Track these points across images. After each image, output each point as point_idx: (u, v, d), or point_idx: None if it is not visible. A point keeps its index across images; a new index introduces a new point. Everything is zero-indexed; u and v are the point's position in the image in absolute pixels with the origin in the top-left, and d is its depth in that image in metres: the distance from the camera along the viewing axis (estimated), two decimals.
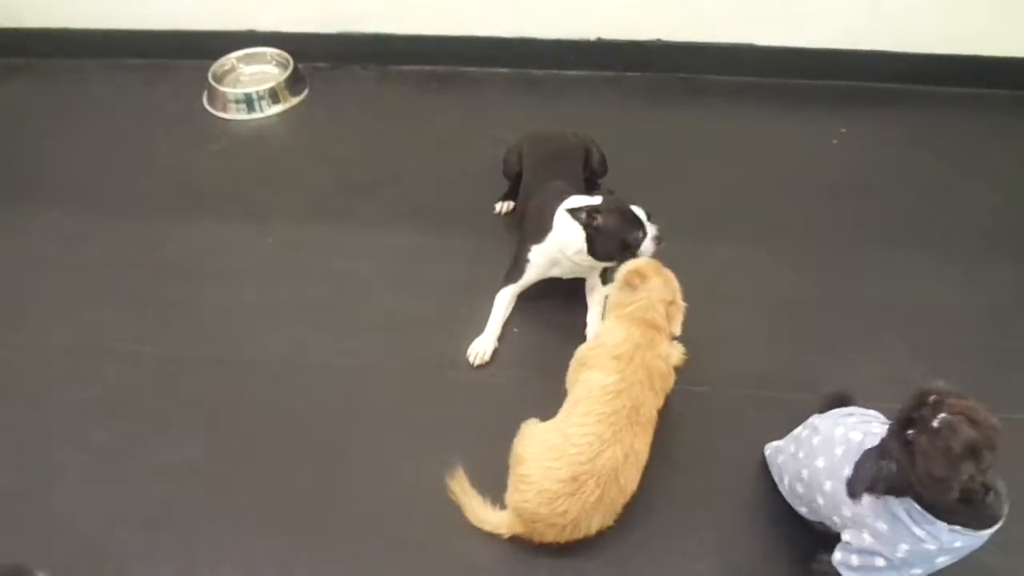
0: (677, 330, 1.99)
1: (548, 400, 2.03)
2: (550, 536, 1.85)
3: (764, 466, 2.03)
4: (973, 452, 1.32)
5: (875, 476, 1.46)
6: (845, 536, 1.65)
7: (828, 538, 1.76)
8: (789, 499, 1.88)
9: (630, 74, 3.39)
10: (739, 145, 3.07)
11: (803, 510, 1.84)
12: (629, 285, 2.02)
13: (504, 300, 2.37)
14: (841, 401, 2.03)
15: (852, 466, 1.57)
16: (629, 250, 2.18)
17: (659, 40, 3.31)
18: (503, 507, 1.91)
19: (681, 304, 2.02)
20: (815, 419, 1.86)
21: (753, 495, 2.00)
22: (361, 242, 2.68)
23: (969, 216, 2.75)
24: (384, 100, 3.34)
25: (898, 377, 2.20)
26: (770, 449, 2.00)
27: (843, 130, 3.09)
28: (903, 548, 1.53)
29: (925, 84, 3.20)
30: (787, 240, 2.66)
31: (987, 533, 1.48)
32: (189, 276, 2.58)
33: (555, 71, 3.42)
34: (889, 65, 3.19)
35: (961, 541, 1.48)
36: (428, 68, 3.45)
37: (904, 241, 2.65)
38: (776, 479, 1.95)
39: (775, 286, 2.51)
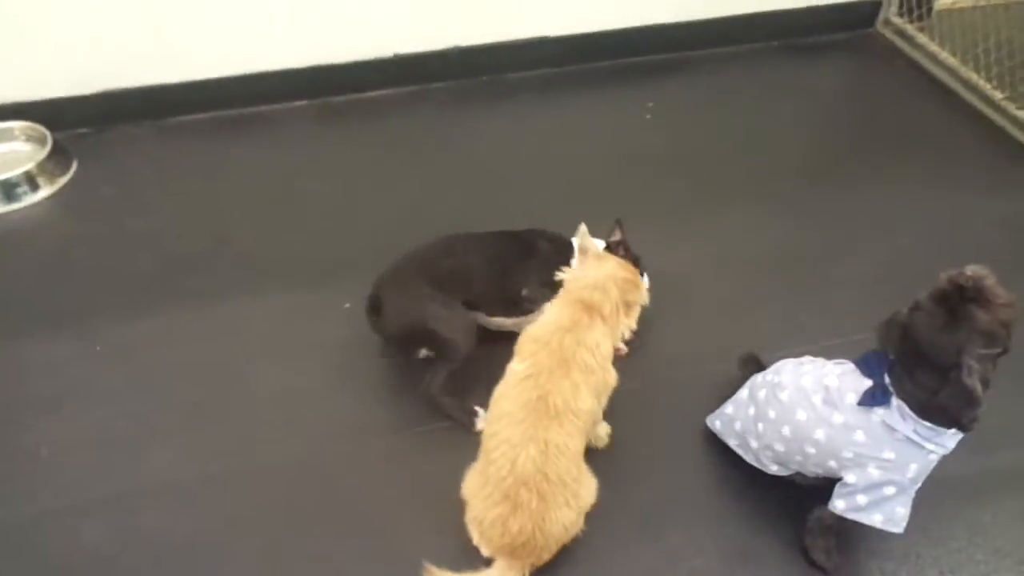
0: (627, 328, 1.85)
1: None
2: (536, 558, 1.73)
3: (710, 440, 2.04)
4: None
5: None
6: (849, 478, 1.68)
7: (808, 488, 1.81)
8: (757, 462, 1.90)
9: (435, 85, 3.28)
10: (558, 134, 3.09)
11: (774, 468, 1.86)
12: (583, 256, 1.87)
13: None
14: (756, 360, 2.12)
15: (846, 404, 1.65)
16: None
17: (456, 47, 3.23)
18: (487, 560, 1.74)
19: (640, 300, 1.88)
20: (762, 378, 1.89)
21: (716, 472, 2.00)
22: (213, 321, 2.32)
23: (780, 159, 2.98)
24: (173, 157, 2.93)
25: (789, 325, 2.35)
26: (719, 420, 2.01)
27: (650, 104, 3.21)
28: (912, 468, 1.61)
29: (708, 48, 3.44)
30: (633, 217, 2.65)
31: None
32: (15, 414, 2.08)
33: (357, 95, 3.22)
34: (671, 36, 3.38)
35: (956, 440, 1.59)
36: (215, 114, 3.09)
37: (732, 196, 2.80)
38: (735, 446, 1.96)
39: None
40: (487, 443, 1.74)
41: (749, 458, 1.92)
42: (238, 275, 2.44)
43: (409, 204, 2.72)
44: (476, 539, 1.76)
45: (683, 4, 3.34)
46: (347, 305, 2.31)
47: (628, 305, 1.82)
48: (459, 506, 1.78)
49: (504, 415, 1.71)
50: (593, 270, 1.83)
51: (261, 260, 2.49)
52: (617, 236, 2.22)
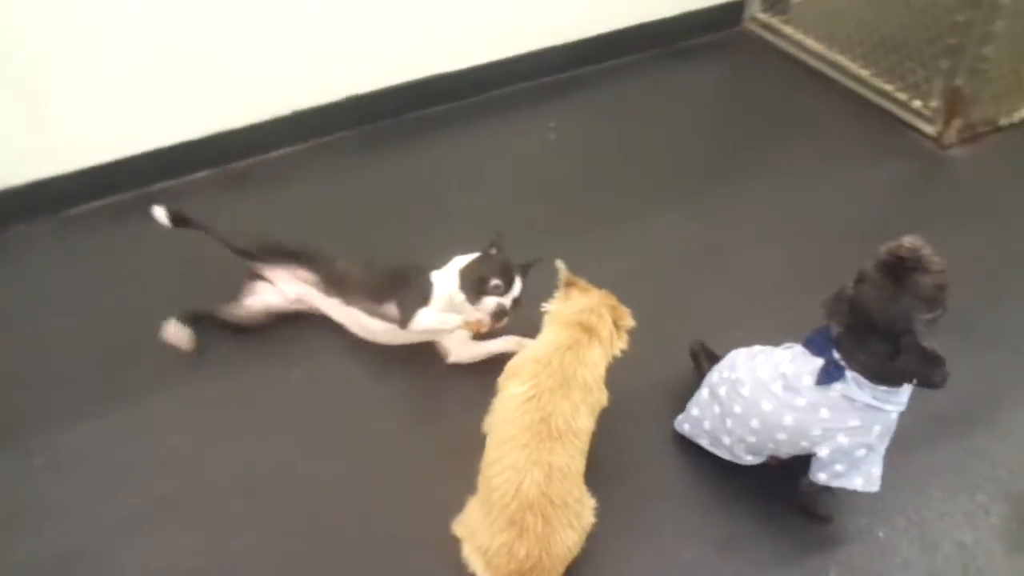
0: (619, 348, 1.93)
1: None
2: None
3: (680, 440, 2.11)
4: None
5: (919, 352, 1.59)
6: (820, 453, 1.79)
7: (787, 467, 1.91)
8: (732, 456, 1.98)
9: (337, 135, 3.26)
10: (466, 165, 3.13)
11: (748, 458, 1.95)
12: (567, 289, 1.96)
13: (426, 312, 2.20)
14: (704, 349, 2.22)
15: (804, 386, 1.76)
16: (482, 289, 2.18)
17: (351, 95, 3.23)
18: None
19: (630, 323, 1.96)
20: (718, 375, 1.98)
21: (692, 469, 2.07)
22: (158, 412, 2.22)
23: (681, 162, 3.13)
24: (77, 250, 2.80)
25: (722, 313, 2.47)
26: (687, 423, 2.08)
27: (552, 124, 3.31)
28: (876, 429, 1.74)
29: (597, 63, 3.56)
30: (554, 235, 2.73)
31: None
32: None
33: (259, 156, 3.16)
34: (560, 57, 3.49)
35: (907, 395, 1.72)
36: (113, 199, 2.97)
37: (643, 203, 2.92)
38: (707, 445, 2.04)
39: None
40: (488, 470, 1.76)
41: (723, 454, 2.00)
42: (173, 360, 2.33)
43: (331, 249, 2.65)
44: (481, 570, 1.76)
45: (567, 25, 3.45)
46: (296, 374, 2.30)
47: (619, 328, 1.92)
48: None
49: (507, 439, 1.74)
50: (584, 298, 1.93)
51: (213, 344, 2.39)
52: (493, 250, 2.29)
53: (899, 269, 1.59)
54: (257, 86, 3.04)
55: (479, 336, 2.25)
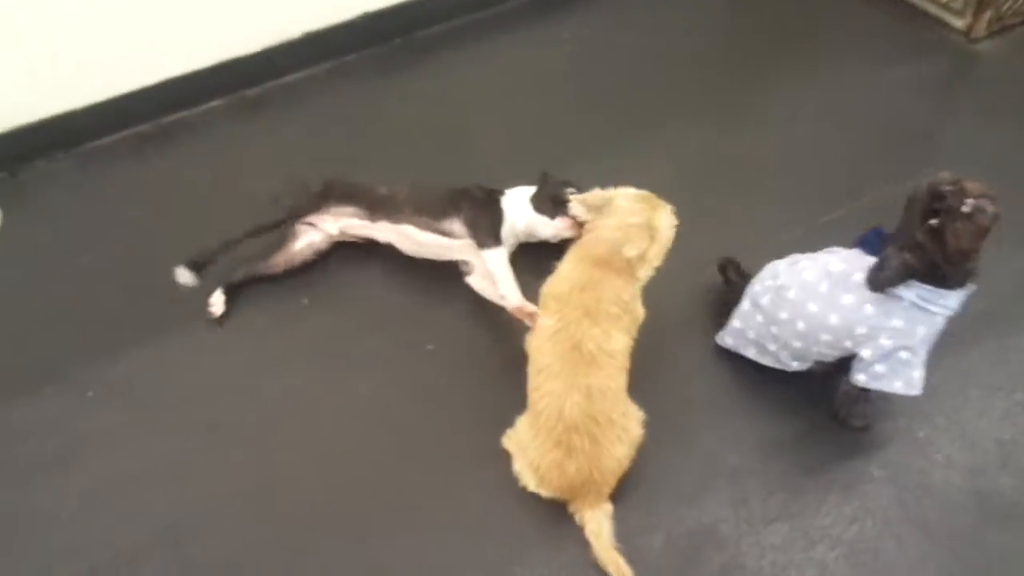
0: (642, 273, 1.90)
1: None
2: (596, 494, 1.79)
3: (720, 351, 2.13)
4: (996, 223, 1.51)
5: (901, 266, 1.64)
6: (863, 353, 1.81)
7: (831, 375, 1.94)
8: (777, 363, 2.00)
9: (350, 57, 3.18)
10: (485, 83, 3.06)
11: (795, 364, 1.97)
12: (587, 206, 1.93)
13: (503, 257, 2.20)
14: (732, 264, 2.21)
15: (853, 284, 1.77)
16: (560, 201, 2.19)
17: (364, 13, 3.13)
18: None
19: (661, 241, 1.90)
20: (760, 286, 1.98)
21: (732, 377, 2.10)
22: (201, 341, 2.25)
23: (702, 71, 3.05)
24: (100, 184, 2.76)
25: (752, 223, 2.45)
26: (729, 336, 2.10)
27: (567, 35, 3.22)
28: (920, 331, 1.75)
29: None
30: (578, 153, 2.68)
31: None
32: (20, 480, 1.98)
33: (272, 82, 3.09)
34: None
35: (959, 300, 1.72)
36: (132, 131, 2.93)
37: (666, 116, 2.85)
38: (753, 355, 2.06)
39: None
40: (532, 395, 1.80)
41: (768, 361, 2.02)
42: (212, 289, 2.33)
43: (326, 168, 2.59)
44: (533, 484, 1.82)
45: None
46: (305, 301, 2.32)
47: (653, 235, 1.88)
48: None
49: (543, 368, 1.77)
50: (602, 221, 1.90)
51: (231, 270, 2.39)
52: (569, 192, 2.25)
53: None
54: (267, 9, 2.94)
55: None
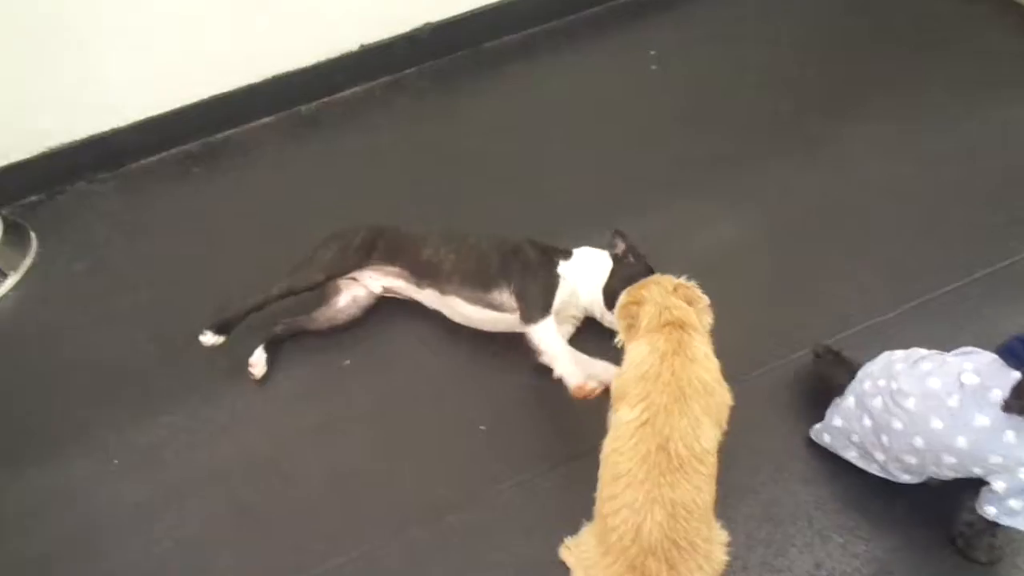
0: (708, 321, 1.68)
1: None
2: None
3: (813, 446, 1.85)
4: None
5: None
6: (996, 485, 1.52)
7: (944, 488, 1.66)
8: (884, 472, 1.72)
9: (409, 71, 2.95)
10: (557, 102, 2.81)
11: (905, 477, 1.69)
12: (629, 313, 1.69)
13: (552, 330, 1.91)
14: (831, 352, 1.90)
15: (990, 402, 1.48)
16: None
17: (426, 24, 2.88)
18: None
19: (702, 297, 1.69)
20: (871, 383, 1.69)
21: (830, 481, 1.82)
22: (240, 407, 2.06)
23: (798, 95, 2.71)
24: (141, 210, 2.61)
25: (851, 291, 2.13)
26: (827, 433, 1.82)
27: (652, 52, 2.91)
28: None
29: None
30: (659, 190, 2.42)
31: None
32: (42, 559, 1.83)
33: (327, 98, 2.89)
34: None
35: None
36: (176, 151, 2.77)
37: (757, 150, 2.53)
38: (854, 459, 1.77)
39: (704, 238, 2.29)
40: (604, 506, 1.55)
41: (873, 469, 1.74)
42: (250, 342, 2.13)
43: (408, 210, 2.43)
44: None
45: None
46: (347, 362, 2.11)
47: (697, 309, 1.67)
48: None
49: (621, 475, 1.52)
50: (649, 295, 1.67)
51: (271, 322, 2.19)
52: (621, 247, 2.03)
53: None
54: (320, 21, 2.73)
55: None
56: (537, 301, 1.91)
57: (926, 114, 2.59)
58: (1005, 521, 1.55)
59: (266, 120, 2.83)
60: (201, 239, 2.48)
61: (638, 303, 1.68)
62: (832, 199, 2.39)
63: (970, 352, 1.60)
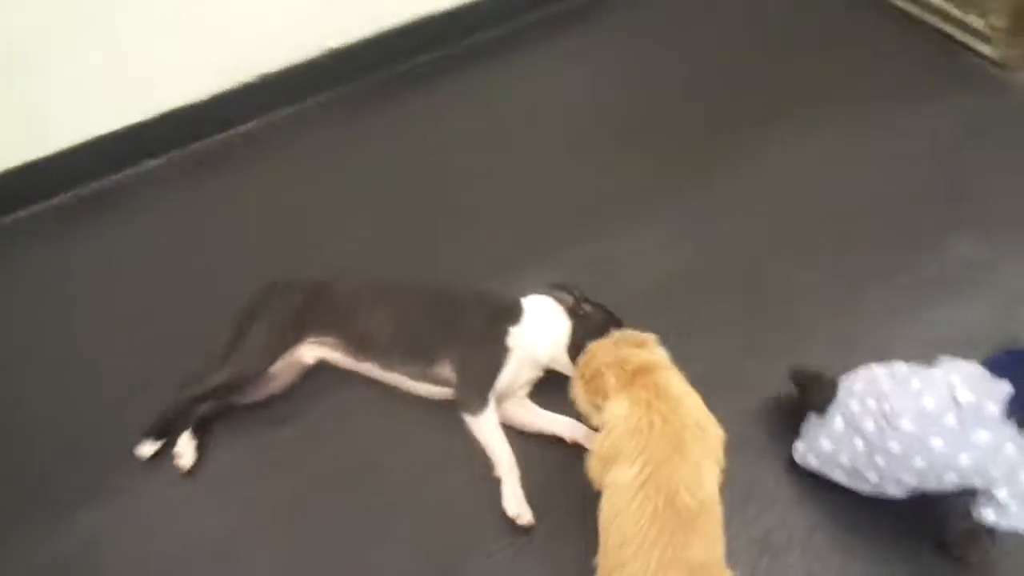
0: (667, 358, 1.59)
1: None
2: None
3: (796, 469, 1.80)
4: None
5: None
6: (1000, 493, 1.51)
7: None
8: (874, 490, 1.68)
9: (313, 100, 2.73)
10: (473, 120, 2.66)
11: (895, 492, 1.65)
12: (594, 389, 1.56)
13: (491, 424, 1.73)
14: (806, 375, 1.86)
15: (989, 418, 1.47)
16: None
17: (330, 48, 2.68)
18: None
19: (646, 336, 1.61)
20: (858, 404, 1.64)
21: (823, 511, 1.77)
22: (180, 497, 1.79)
23: (726, 105, 2.70)
24: (16, 277, 2.27)
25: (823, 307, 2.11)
26: (812, 455, 1.76)
27: (572, 63, 2.84)
28: None
29: None
30: (578, 222, 2.32)
31: None
32: None
33: (225, 133, 2.63)
34: None
35: None
36: (50, 202, 2.42)
37: (695, 166, 2.50)
38: (843, 481, 1.73)
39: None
40: (612, 574, 1.40)
41: (864, 488, 1.70)
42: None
43: (323, 254, 2.23)
44: None
45: None
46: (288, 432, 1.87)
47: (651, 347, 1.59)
48: None
49: (628, 540, 1.38)
50: (608, 353, 1.56)
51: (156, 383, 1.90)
52: (569, 300, 1.86)
53: None
54: (215, 51, 2.48)
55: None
56: (475, 387, 1.73)
57: (831, 123, 2.61)
58: (1004, 524, 1.55)
59: (153, 162, 2.54)
60: (84, 301, 2.18)
61: (596, 376, 1.55)
62: (769, 208, 2.37)
63: (952, 365, 1.59)
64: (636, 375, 1.51)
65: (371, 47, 2.72)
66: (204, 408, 1.82)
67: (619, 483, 1.44)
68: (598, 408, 1.55)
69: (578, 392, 1.60)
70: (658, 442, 1.43)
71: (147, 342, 2.03)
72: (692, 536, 1.38)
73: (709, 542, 1.41)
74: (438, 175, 2.48)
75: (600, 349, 1.59)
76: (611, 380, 1.52)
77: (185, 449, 1.77)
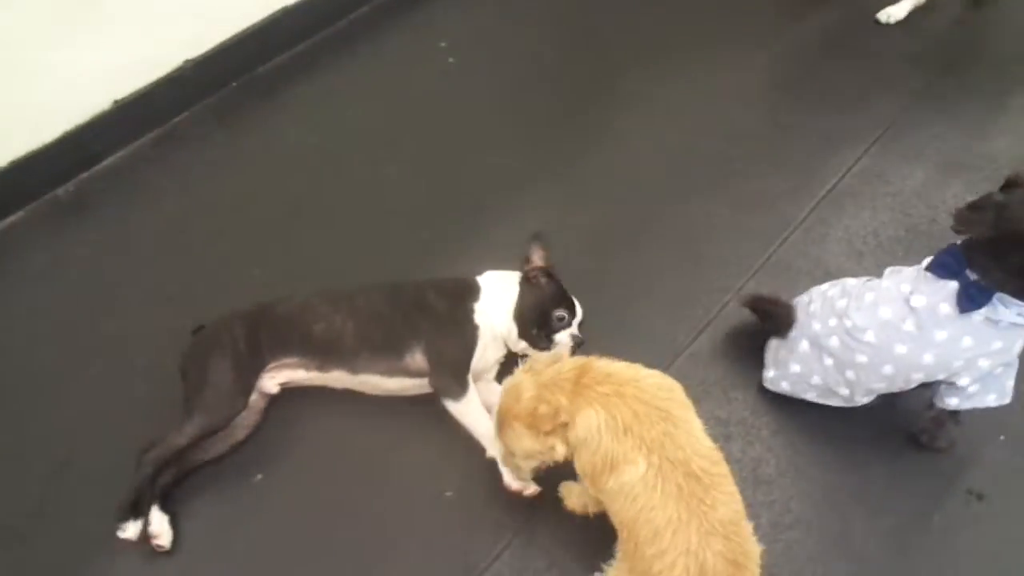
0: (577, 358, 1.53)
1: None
2: None
3: (766, 394, 1.88)
4: None
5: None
6: (961, 381, 1.63)
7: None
8: (845, 402, 1.78)
9: (180, 117, 2.50)
10: (355, 110, 2.56)
11: (863, 400, 1.76)
12: (548, 417, 1.46)
13: (475, 406, 1.69)
14: (758, 299, 1.93)
15: (943, 318, 1.56)
16: (548, 327, 1.75)
17: (186, 61, 2.46)
18: None
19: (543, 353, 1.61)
20: (820, 324, 1.72)
21: (797, 427, 1.85)
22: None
23: (603, 64, 2.72)
24: None
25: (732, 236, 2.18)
26: (784, 382, 1.83)
27: (443, 44, 2.74)
28: (1019, 344, 1.59)
29: None
30: (495, 187, 2.32)
31: None
32: None
33: (85, 173, 2.36)
34: None
35: None
36: None
37: (576, 128, 2.50)
38: (814, 399, 1.81)
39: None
40: (653, 567, 1.39)
41: (834, 402, 1.79)
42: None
43: (236, 279, 2.10)
44: None
45: None
46: (259, 477, 1.75)
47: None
48: None
49: (663, 526, 1.37)
50: (537, 388, 1.46)
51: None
52: (536, 259, 1.82)
53: None
54: (68, 83, 2.21)
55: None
56: (452, 371, 1.69)
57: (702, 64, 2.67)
58: (966, 405, 1.67)
59: (15, 216, 2.25)
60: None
61: (532, 411, 1.45)
62: (669, 151, 2.41)
63: (898, 272, 1.68)
64: (580, 379, 1.45)
65: (226, 55, 2.52)
66: (165, 478, 1.65)
67: (631, 481, 1.41)
68: (555, 435, 1.46)
69: (520, 439, 1.47)
70: (648, 425, 1.41)
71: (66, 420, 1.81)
72: (713, 494, 1.39)
73: (730, 497, 1.42)
74: (317, 184, 2.37)
75: (515, 388, 1.48)
76: (560, 400, 1.44)
77: (160, 528, 1.60)
